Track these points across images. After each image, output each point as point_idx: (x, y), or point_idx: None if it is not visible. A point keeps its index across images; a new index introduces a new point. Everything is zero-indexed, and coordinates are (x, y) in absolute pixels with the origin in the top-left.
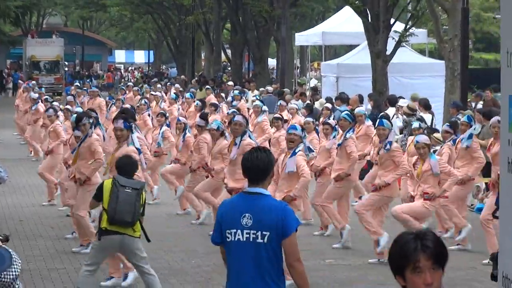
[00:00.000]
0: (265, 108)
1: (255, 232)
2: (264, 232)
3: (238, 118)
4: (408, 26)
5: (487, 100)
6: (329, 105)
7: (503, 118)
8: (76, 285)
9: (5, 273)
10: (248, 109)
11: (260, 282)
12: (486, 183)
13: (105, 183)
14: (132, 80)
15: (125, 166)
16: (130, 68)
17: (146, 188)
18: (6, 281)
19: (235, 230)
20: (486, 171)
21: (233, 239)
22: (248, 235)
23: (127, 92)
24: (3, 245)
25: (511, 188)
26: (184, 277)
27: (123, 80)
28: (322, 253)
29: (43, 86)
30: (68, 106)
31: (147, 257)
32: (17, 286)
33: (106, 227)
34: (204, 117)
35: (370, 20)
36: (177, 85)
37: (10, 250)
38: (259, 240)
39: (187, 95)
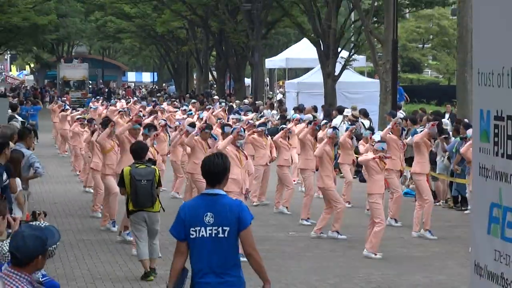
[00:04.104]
0: None
1: (216, 228)
2: (225, 228)
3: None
4: (351, 53)
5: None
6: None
7: (475, 129)
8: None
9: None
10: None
11: (217, 271)
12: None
13: (124, 170)
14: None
15: (137, 150)
16: (137, 86)
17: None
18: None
19: (199, 228)
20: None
21: (197, 235)
22: (211, 231)
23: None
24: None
25: (481, 188)
26: None
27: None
28: (287, 227)
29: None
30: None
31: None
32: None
33: (133, 209)
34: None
35: (322, 49)
36: (193, 100)
37: (55, 226)
38: (221, 235)
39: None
